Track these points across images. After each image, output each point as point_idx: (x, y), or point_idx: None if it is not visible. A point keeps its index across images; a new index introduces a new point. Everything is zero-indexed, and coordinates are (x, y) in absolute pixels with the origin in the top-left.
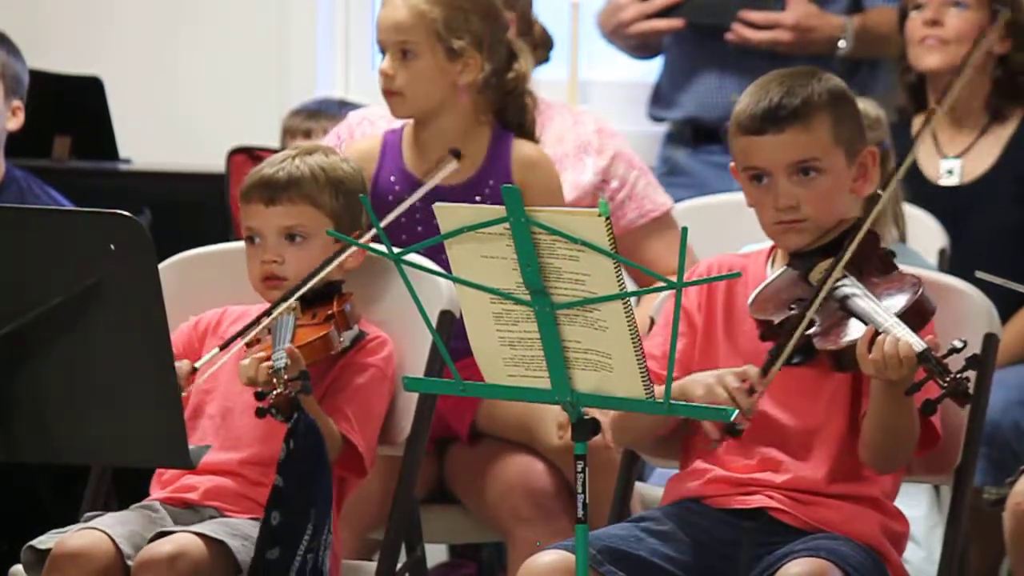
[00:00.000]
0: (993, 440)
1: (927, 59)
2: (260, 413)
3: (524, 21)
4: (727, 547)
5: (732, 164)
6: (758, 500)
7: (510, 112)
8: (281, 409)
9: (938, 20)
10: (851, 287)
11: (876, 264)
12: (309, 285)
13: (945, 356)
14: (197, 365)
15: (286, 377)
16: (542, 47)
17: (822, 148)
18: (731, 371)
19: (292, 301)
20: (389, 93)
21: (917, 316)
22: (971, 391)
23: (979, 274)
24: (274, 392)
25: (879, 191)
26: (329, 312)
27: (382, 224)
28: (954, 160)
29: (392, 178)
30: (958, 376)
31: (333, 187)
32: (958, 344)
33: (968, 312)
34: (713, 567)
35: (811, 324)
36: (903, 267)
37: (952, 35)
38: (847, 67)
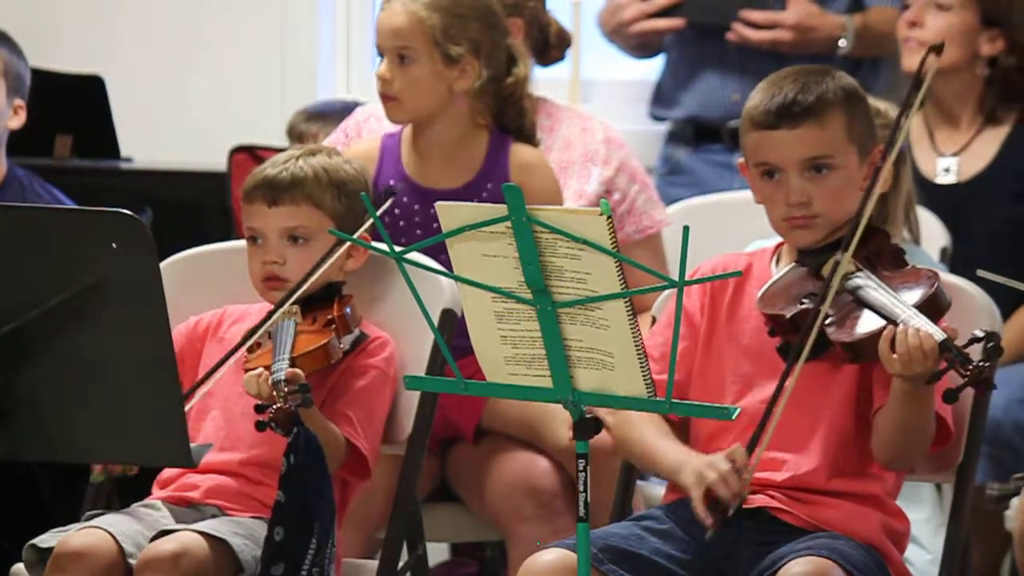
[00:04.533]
0: (995, 439)
1: (906, 60)
2: (260, 427)
3: (535, 24)
4: (728, 546)
5: (741, 160)
6: (759, 499)
7: (509, 116)
8: (280, 423)
9: (917, 21)
10: (865, 280)
11: (888, 259)
12: (308, 283)
13: (966, 345)
14: (198, 386)
15: (286, 391)
16: (557, 47)
17: (835, 145)
18: (720, 456)
19: (291, 305)
20: (386, 97)
21: (933, 309)
22: (993, 379)
23: (981, 272)
24: (274, 406)
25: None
26: (329, 317)
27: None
28: (951, 158)
29: (392, 182)
30: (980, 364)
31: (336, 188)
32: (979, 333)
33: (970, 310)
34: (714, 566)
35: (824, 317)
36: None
37: (930, 37)
38: (848, 66)
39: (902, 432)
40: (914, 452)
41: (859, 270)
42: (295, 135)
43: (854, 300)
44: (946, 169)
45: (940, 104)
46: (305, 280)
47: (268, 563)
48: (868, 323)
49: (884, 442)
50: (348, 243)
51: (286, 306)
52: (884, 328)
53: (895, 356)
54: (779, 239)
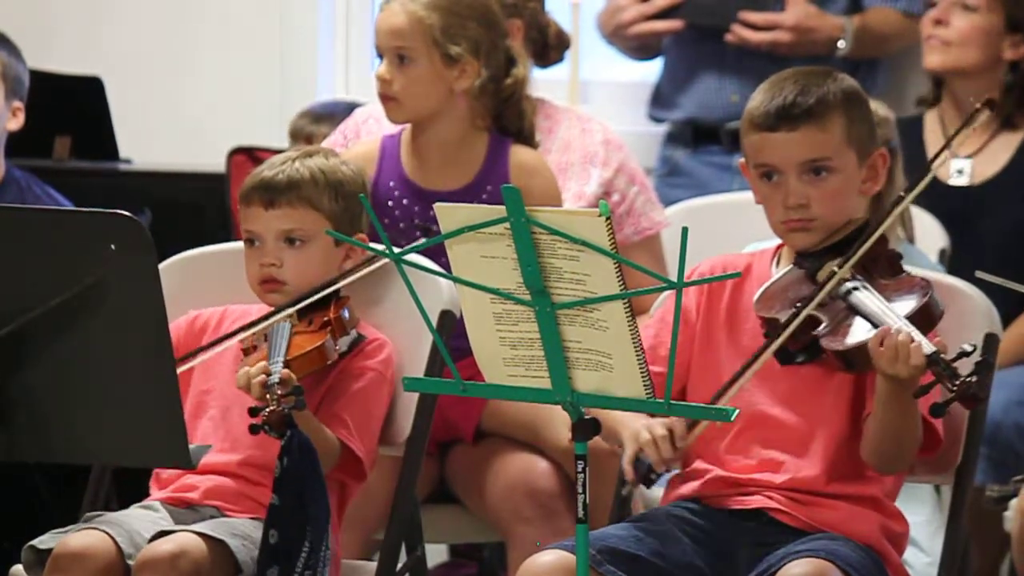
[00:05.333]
0: (994, 440)
1: (929, 58)
2: (253, 430)
3: (534, 25)
4: (726, 547)
5: (741, 160)
6: (757, 501)
7: (508, 118)
8: (274, 426)
9: (942, 20)
10: (859, 287)
11: (884, 265)
12: (314, 299)
13: (954, 359)
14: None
15: (279, 393)
16: (556, 48)
17: (835, 148)
18: (660, 421)
19: (292, 310)
20: (386, 98)
21: (925, 319)
22: (980, 395)
23: (979, 274)
24: (267, 409)
25: (901, 193)
26: (325, 318)
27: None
28: (965, 160)
29: (391, 183)
30: (967, 380)
31: (333, 190)
32: (967, 348)
33: (969, 312)
34: (713, 567)
35: (818, 324)
36: (910, 269)
37: (955, 37)
38: (846, 67)
39: (887, 435)
40: (900, 456)
41: (854, 277)
42: (303, 137)
43: (847, 307)
44: (959, 171)
45: (958, 105)
46: (311, 295)
47: (264, 566)
48: (860, 332)
49: (870, 445)
50: (363, 266)
51: (288, 311)
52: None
53: (882, 349)
54: (777, 240)
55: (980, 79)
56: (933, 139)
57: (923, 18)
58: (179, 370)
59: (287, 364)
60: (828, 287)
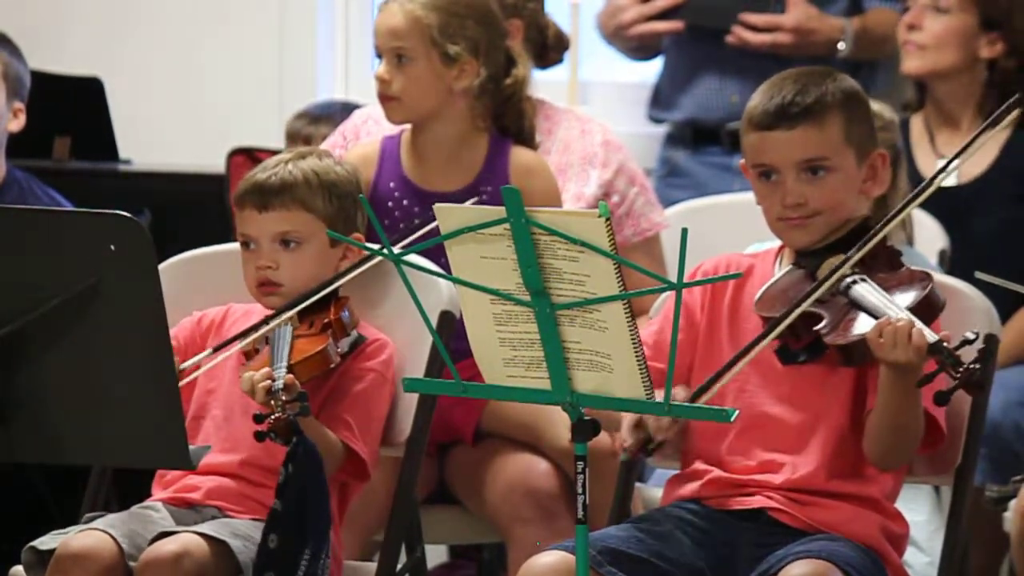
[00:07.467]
0: (993, 440)
1: (906, 63)
2: (259, 437)
3: (534, 26)
4: (727, 548)
5: (742, 161)
6: (757, 501)
7: (508, 118)
8: (280, 433)
9: (915, 24)
10: (860, 282)
11: (884, 261)
12: (312, 300)
13: (957, 348)
14: (185, 365)
15: (284, 399)
16: (556, 49)
17: (832, 147)
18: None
19: (292, 313)
20: (385, 98)
21: (927, 311)
22: (983, 382)
23: (978, 275)
24: (272, 416)
25: (910, 196)
26: (326, 320)
27: None
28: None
29: (391, 184)
30: (971, 367)
31: (326, 191)
32: (970, 336)
33: (968, 312)
34: (713, 568)
35: (819, 320)
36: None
37: (929, 40)
38: (847, 68)
39: (889, 427)
40: (902, 450)
41: (854, 273)
42: (301, 138)
43: (849, 303)
44: None
45: (940, 106)
46: (310, 296)
47: (260, 570)
48: (862, 326)
49: (872, 437)
50: (360, 264)
51: (287, 314)
52: None
53: (881, 340)
54: (779, 242)
55: (959, 80)
56: (919, 143)
57: (900, 22)
58: (184, 381)
59: (290, 369)
60: (829, 283)
